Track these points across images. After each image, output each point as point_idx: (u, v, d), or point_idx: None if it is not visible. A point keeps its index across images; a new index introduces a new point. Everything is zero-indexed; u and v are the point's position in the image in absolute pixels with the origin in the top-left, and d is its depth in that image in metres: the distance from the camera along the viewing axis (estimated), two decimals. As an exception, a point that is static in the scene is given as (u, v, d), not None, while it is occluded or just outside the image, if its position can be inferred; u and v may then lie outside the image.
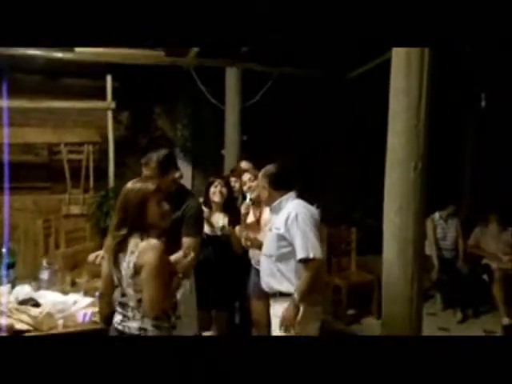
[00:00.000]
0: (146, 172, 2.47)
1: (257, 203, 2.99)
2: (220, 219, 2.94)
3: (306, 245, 2.36)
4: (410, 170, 2.59)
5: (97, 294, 2.22)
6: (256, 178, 2.85)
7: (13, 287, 2.49)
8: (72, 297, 2.45)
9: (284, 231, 2.41)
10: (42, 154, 6.67)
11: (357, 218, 6.05)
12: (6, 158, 5.46)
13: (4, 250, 2.58)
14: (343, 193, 6.31)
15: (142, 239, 1.83)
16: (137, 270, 1.80)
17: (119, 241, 1.87)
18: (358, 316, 4.37)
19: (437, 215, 4.81)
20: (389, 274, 2.69)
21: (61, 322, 2.23)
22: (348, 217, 5.68)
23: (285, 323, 2.41)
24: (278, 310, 2.48)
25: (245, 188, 3.12)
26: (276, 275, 2.49)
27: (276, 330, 2.49)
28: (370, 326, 4.11)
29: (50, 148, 6.12)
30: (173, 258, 2.30)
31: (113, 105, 5.70)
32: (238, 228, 2.93)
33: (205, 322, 2.83)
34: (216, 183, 3.05)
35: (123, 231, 1.86)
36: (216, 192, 3.02)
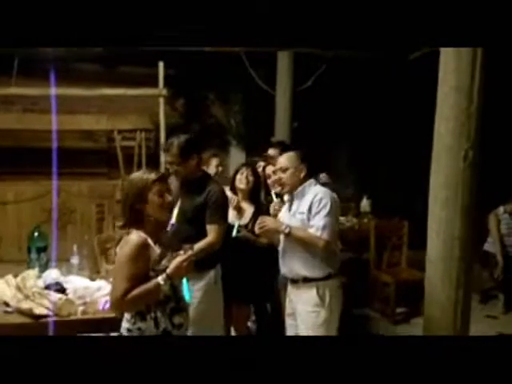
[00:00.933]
0: (167, 158, 2.40)
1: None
2: (246, 209, 2.79)
3: (325, 225, 2.33)
4: (459, 159, 2.29)
5: None
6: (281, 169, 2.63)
7: (44, 271, 2.54)
8: (97, 283, 2.44)
9: (307, 214, 2.37)
10: (100, 140, 6.91)
11: (419, 209, 5.65)
12: (55, 144, 5.66)
13: (36, 234, 2.64)
14: (402, 182, 5.90)
15: (127, 233, 1.77)
16: None
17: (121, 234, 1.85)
18: (408, 315, 4.07)
19: (501, 209, 4.36)
20: (431, 275, 2.42)
21: (81, 308, 2.23)
22: (405, 208, 5.31)
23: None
24: (302, 297, 2.39)
25: (269, 181, 2.89)
26: (302, 260, 2.38)
27: (302, 319, 2.39)
28: (420, 326, 3.80)
29: (108, 135, 6.31)
30: (196, 246, 2.22)
31: (164, 91, 5.71)
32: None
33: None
34: (242, 170, 2.92)
35: (122, 224, 1.82)
36: (242, 179, 2.88)
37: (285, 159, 2.51)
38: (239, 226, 2.74)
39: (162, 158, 6.04)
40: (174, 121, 6.99)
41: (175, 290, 1.85)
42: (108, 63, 6.70)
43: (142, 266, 1.74)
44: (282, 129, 5.68)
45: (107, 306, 2.26)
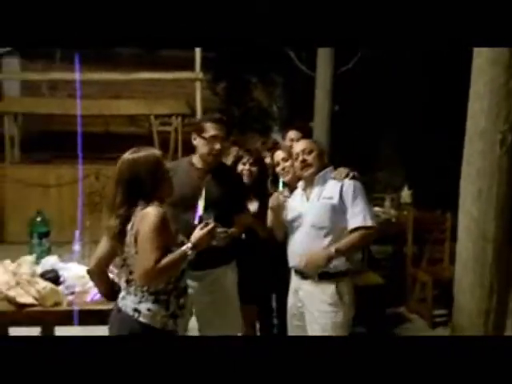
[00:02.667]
0: (218, 132, 2.23)
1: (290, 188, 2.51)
2: (249, 205, 2.50)
3: (366, 212, 2.13)
4: (496, 144, 1.93)
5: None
6: (291, 156, 2.38)
7: (44, 256, 2.48)
8: (93, 272, 2.33)
9: (338, 200, 2.14)
10: (143, 125, 6.95)
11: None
12: (99, 129, 5.73)
13: (39, 219, 2.58)
14: (448, 171, 5.39)
15: (142, 209, 1.70)
16: (136, 241, 1.69)
17: (124, 218, 1.73)
18: (448, 318, 3.68)
19: None
20: (461, 280, 2.09)
21: (70, 298, 2.13)
22: (451, 199, 4.84)
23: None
24: (317, 295, 2.15)
25: (278, 169, 2.52)
26: None
27: (315, 320, 2.15)
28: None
29: (149, 120, 6.31)
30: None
31: (201, 75, 5.59)
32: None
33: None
34: (245, 159, 2.58)
35: (127, 205, 1.72)
36: (244, 170, 2.55)
37: (307, 142, 2.31)
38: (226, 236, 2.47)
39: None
40: (214, 105, 6.88)
41: (182, 271, 1.80)
42: (148, 46, 6.69)
43: (165, 237, 1.71)
44: (321, 113, 5.33)
45: (96, 297, 2.16)
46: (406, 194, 4.36)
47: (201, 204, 2.27)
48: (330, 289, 2.10)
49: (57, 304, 2.09)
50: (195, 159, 2.32)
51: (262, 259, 2.50)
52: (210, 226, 1.81)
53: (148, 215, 1.68)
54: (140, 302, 1.73)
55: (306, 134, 2.99)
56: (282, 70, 6.23)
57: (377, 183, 6.42)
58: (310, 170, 2.21)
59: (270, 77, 6.70)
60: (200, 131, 2.24)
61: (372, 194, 5.37)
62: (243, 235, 2.41)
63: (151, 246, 1.66)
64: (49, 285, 2.10)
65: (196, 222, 2.16)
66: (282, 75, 6.31)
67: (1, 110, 5.95)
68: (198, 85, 5.59)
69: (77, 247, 2.56)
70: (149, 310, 1.72)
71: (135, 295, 1.75)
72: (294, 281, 2.24)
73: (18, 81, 6.70)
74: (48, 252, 2.57)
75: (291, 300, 2.26)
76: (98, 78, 5.57)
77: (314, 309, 2.12)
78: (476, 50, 1.99)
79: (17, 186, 5.52)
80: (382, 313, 3.59)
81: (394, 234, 4.11)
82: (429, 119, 5.57)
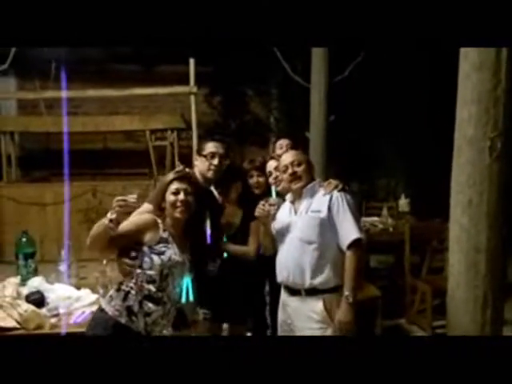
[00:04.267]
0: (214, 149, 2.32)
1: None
2: (233, 216, 2.44)
3: (357, 225, 2.08)
4: (485, 152, 1.88)
5: None
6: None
7: (30, 278, 2.43)
8: (80, 292, 2.29)
9: (326, 213, 2.08)
10: (141, 141, 6.93)
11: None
12: (97, 145, 5.70)
13: (24, 240, 2.54)
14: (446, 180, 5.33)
15: None
16: None
17: None
18: (449, 330, 3.59)
19: None
20: (454, 294, 2.02)
21: (53, 320, 2.08)
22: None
23: (345, 328, 2.00)
24: (304, 312, 2.07)
25: (270, 179, 2.49)
26: (312, 266, 2.07)
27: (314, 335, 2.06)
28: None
29: (145, 135, 6.29)
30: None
31: (195, 89, 5.56)
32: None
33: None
34: (252, 172, 2.57)
35: None
36: (253, 183, 2.56)
37: (297, 153, 2.25)
38: (227, 236, 2.42)
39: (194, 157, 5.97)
40: (211, 119, 6.87)
41: (165, 279, 1.87)
42: (146, 63, 6.70)
43: (136, 232, 1.85)
44: (316, 123, 5.30)
45: (80, 319, 2.10)
46: (403, 203, 4.30)
47: (208, 224, 2.27)
48: (317, 305, 2.03)
49: (39, 327, 2.04)
50: (197, 175, 2.35)
51: (246, 276, 2.43)
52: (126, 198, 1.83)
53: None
54: (108, 288, 1.96)
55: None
56: (277, 82, 6.22)
57: (379, 190, 6.36)
58: (300, 183, 2.16)
59: (266, 89, 6.69)
60: (200, 150, 2.35)
61: (370, 203, 5.33)
62: (225, 254, 2.36)
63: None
64: (30, 307, 2.06)
65: (208, 241, 2.20)
66: (277, 87, 6.30)
67: (-2, 130, 5.97)
68: (192, 99, 5.57)
69: (62, 267, 2.52)
70: (110, 296, 1.87)
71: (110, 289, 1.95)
72: (283, 296, 2.18)
73: (15, 100, 6.72)
74: (34, 273, 2.53)
75: (280, 316, 2.19)
76: (92, 94, 5.58)
77: (301, 325, 2.05)
78: (462, 54, 1.95)
79: (14, 205, 5.50)
80: (378, 326, 3.51)
81: (393, 244, 4.04)
82: (428, 126, 5.52)
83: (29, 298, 2.21)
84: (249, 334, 2.76)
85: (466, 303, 1.95)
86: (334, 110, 5.29)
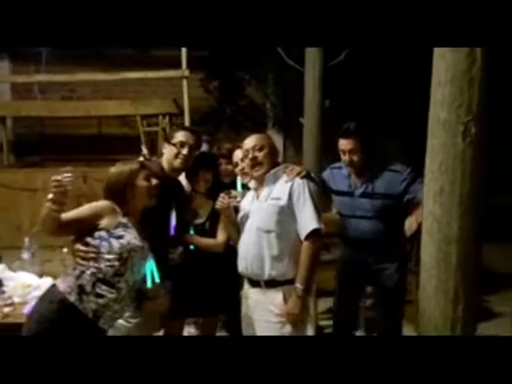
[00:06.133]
0: (183, 138, 2.32)
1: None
2: (202, 206, 2.35)
3: (317, 215, 2.00)
4: (458, 136, 1.75)
5: None
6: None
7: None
8: (39, 281, 2.22)
9: (286, 201, 2.00)
10: (136, 126, 6.83)
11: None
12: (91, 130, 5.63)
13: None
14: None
15: None
16: None
17: None
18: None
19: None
20: (425, 288, 1.91)
21: (6, 310, 2.01)
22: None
23: (293, 320, 1.94)
24: (263, 304, 1.98)
25: (237, 170, 2.42)
26: (270, 256, 2.00)
27: (262, 331, 2.00)
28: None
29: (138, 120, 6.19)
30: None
31: (187, 73, 5.44)
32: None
33: (176, 332, 2.38)
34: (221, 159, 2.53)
35: None
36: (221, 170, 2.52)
37: (259, 138, 2.16)
38: (194, 226, 2.34)
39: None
40: (207, 104, 6.74)
41: (124, 264, 1.85)
42: (141, 47, 6.57)
43: (91, 217, 1.85)
44: (310, 108, 5.15)
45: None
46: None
47: (173, 213, 2.21)
48: (277, 297, 1.94)
49: (-12, 317, 1.97)
50: (164, 163, 2.34)
51: (215, 269, 2.34)
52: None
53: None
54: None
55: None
56: (274, 67, 6.07)
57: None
58: (260, 169, 2.06)
59: (262, 74, 6.54)
60: (170, 138, 2.35)
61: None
62: (191, 246, 2.28)
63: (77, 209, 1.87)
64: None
65: (172, 232, 2.14)
66: (274, 72, 6.15)
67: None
68: (184, 83, 5.44)
69: (26, 255, 2.45)
70: (66, 273, 1.87)
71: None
72: (245, 288, 2.10)
73: (9, 84, 6.65)
74: (-2, 260, 2.47)
75: (243, 309, 2.10)
76: (83, 78, 5.48)
77: (260, 319, 1.96)
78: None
79: (3, 191, 5.46)
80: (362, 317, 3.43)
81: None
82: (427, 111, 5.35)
83: (-12, 286, 2.15)
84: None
85: (436, 297, 1.84)
86: (329, 94, 5.14)
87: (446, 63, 1.76)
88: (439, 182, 1.80)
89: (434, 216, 1.83)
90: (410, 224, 2.39)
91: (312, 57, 5.06)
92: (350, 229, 2.41)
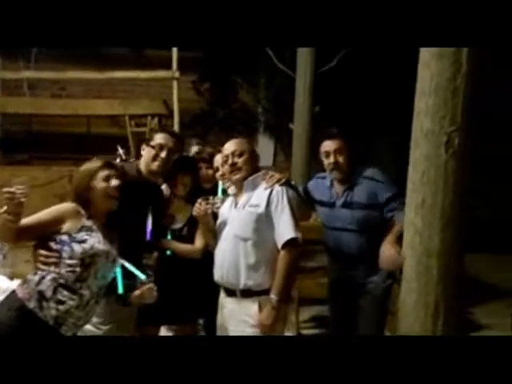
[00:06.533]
0: (162, 141, 2.23)
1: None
2: (181, 211, 2.28)
3: (295, 223, 1.93)
4: (441, 147, 1.71)
5: None
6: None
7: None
8: (9, 283, 2.15)
9: (264, 208, 1.95)
10: (125, 126, 6.76)
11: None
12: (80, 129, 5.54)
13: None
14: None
15: None
16: None
17: None
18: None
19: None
20: (405, 301, 1.86)
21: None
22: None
23: (267, 331, 1.89)
24: (237, 314, 1.93)
25: (217, 175, 2.34)
26: (246, 265, 1.94)
27: None
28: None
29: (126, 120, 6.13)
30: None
31: (177, 74, 5.39)
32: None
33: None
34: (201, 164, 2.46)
35: None
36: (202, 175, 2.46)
37: (239, 143, 2.10)
38: (171, 231, 2.27)
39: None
40: (198, 106, 6.69)
41: (86, 269, 1.77)
42: (136, 47, 6.50)
43: (51, 221, 1.76)
44: (301, 114, 5.11)
45: None
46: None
47: (150, 218, 2.15)
48: (252, 308, 1.88)
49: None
50: (141, 165, 2.24)
51: (191, 276, 2.28)
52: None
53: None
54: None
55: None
56: (266, 71, 6.03)
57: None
58: (239, 175, 2.00)
59: (255, 78, 6.50)
60: (149, 140, 2.25)
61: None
62: (168, 252, 2.21)
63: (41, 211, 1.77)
64: None
65: (148, 238, 2.07)
66: (266, 76, 6.11)
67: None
68: (174, 84, 5.40)
69: (-2, 256, 2.38)
70: (25, 279, 1.76)
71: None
72: (221, 297, 2.04)
73: (-1, 81, 6.57)
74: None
75: (219, 319, 2.04)
76: (72, 76, 5.41)
77: (235, 329, 1.90)
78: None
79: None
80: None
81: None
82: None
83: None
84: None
85: (416, 312, 1.79)
86: (319, 100, 5.11)
87: (430, 72, 1.72)
88: (421, 193, 1.76)
89: (415, 228, 1.78)
90: (386, 252, 2.17)
91: (303, 62, 5.02)
92: (332, 241, 2.33)
